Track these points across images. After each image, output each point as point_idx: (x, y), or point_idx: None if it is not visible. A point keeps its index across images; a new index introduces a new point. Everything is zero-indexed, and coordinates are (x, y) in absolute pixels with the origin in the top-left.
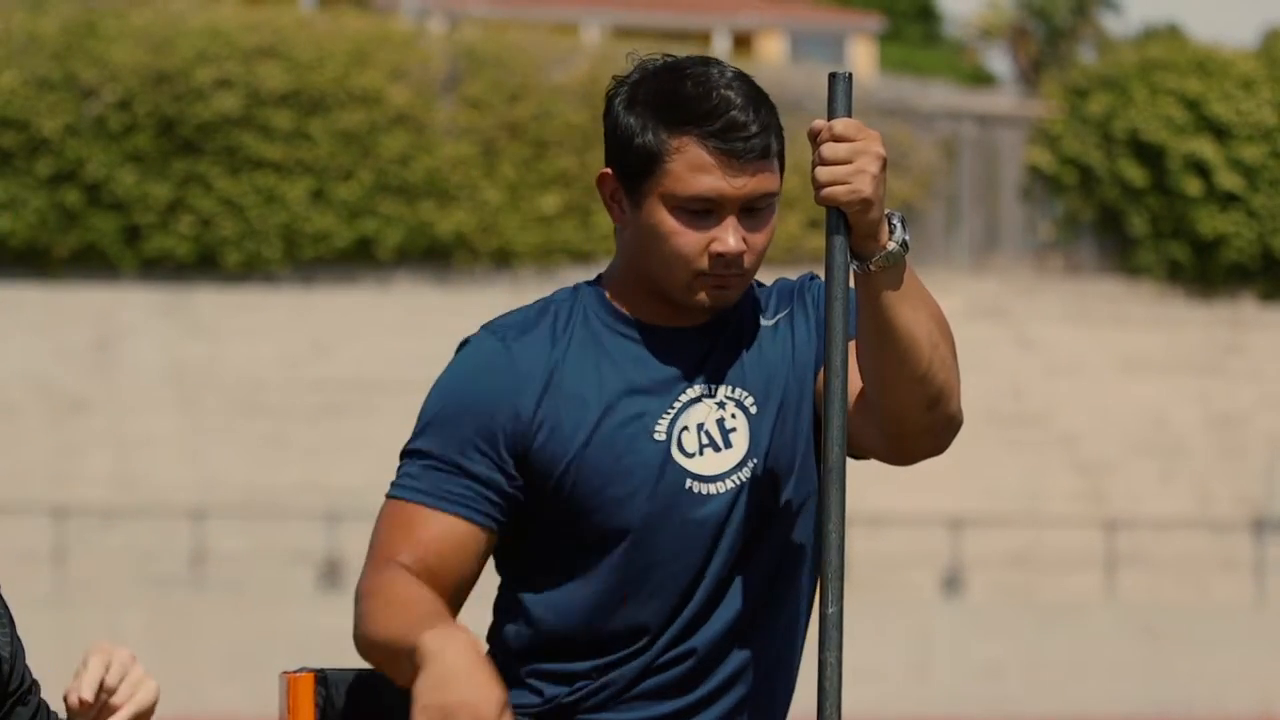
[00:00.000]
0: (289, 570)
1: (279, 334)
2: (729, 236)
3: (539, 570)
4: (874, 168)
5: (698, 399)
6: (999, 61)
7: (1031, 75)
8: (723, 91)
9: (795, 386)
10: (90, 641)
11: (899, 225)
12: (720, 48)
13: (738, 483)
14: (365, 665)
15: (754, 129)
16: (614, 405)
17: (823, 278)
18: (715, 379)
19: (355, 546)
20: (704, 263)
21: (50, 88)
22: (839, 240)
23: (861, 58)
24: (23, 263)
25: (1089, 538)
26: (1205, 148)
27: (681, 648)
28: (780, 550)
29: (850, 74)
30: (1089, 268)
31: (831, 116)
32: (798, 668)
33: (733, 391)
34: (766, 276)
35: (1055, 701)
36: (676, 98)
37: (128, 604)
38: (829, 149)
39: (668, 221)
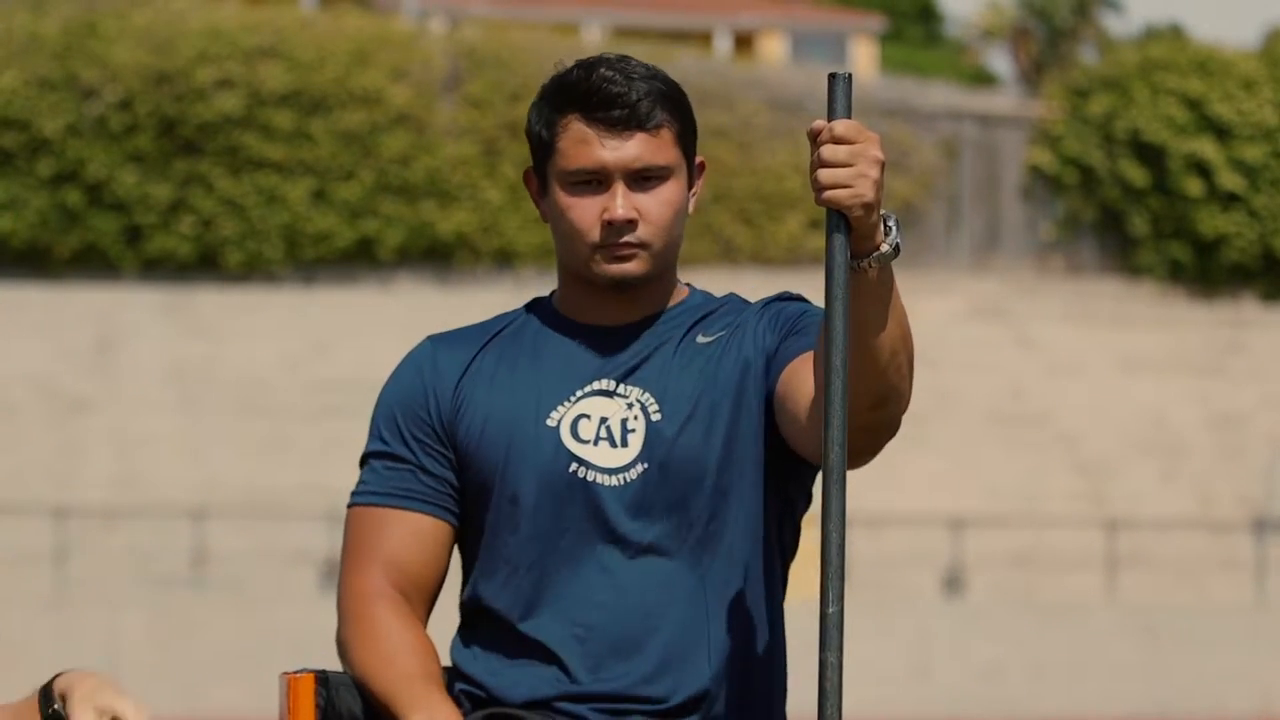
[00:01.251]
0: (289, 570)
1: (280, 334)
2: (615, 203)
3: (477, 568)
4: (874, 172)
5: (606, 393)
6: (1000, 62)
7: (1032, 75)
8: (603, 72)
9: (709, 403)
10: (91, 642)
11: (894, 227)
12: (721, 48)
13: (625, 481)
14: None
15: (632, 99)
16: (520, 389)
17: (806, 290)
18: (628, 379)
19: None
20: (597, 234)
21: (51, 88)
22: (839, 239)
23: (862, 58)
24: (24, 263)
25: (1089, 538)
26: (1206, 148)
27: (621, 646)
28: (705, 558)
29: (850, 75)
30: (1090, 268)
31: (831, 117)
32: (770, 681)
33: (642, 395)
34: (769, 279)
35: (1056, 701)
36: (563, 85)
37: (128, 604)
38: (829, 151)
39: (564, 198)
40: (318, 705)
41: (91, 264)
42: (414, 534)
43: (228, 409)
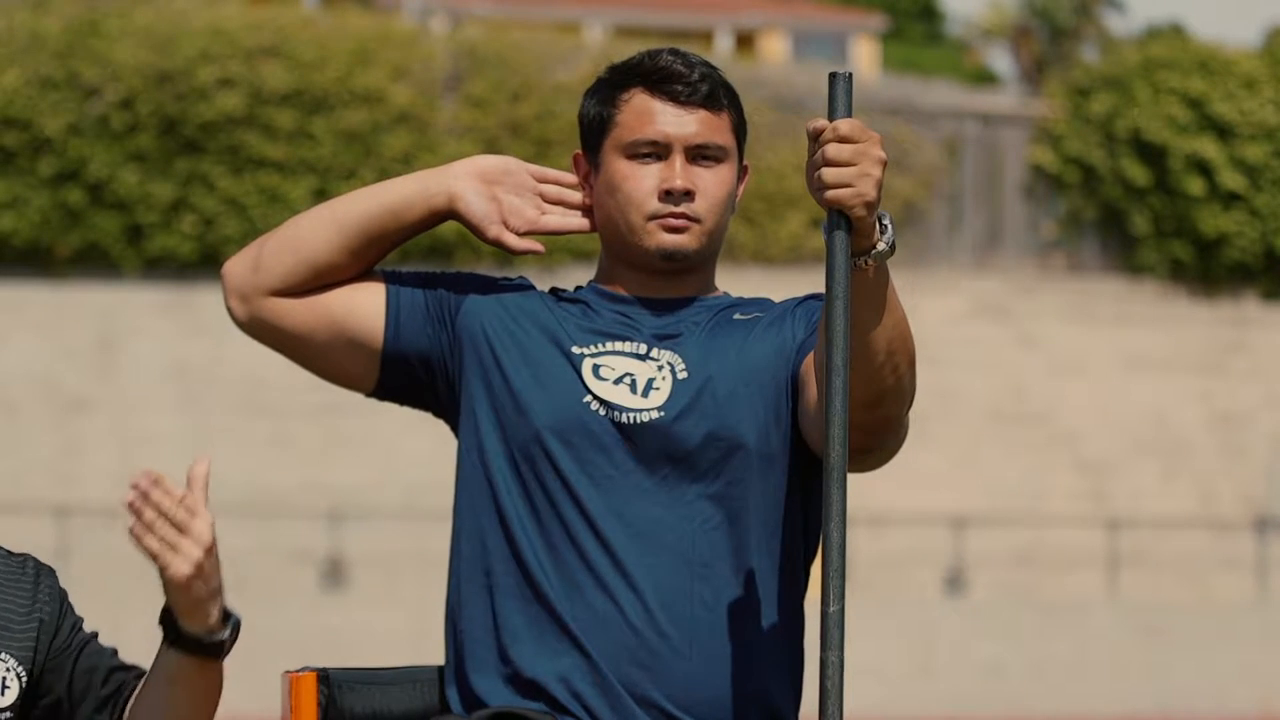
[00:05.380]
0: (291, 569)
1: None
2: (675, 172)
3: (486, 526)
4: (877, 171)
5: (638, 356)
6: (1001, 61)
7: (1034, 74)
8: (667, 55)
9: (739, 369)
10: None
11: (889, 226)
12: (722, 47)
13: (635, 420)
14: (368, 665)
15: (695, 78)
16: (551, 329)
17: (807, 289)
18: (659, 344)
19: (358, 546)
20: (654, 203)
21: (53, 87)
22: (840, 237)
23: (864, 57)
24: (25, 262)
25: (1091, 537)
26: (1208, 147)
27: (621, 587)
28: (714, 518)
29: (850, 74)
30: (1091, 267)
31: (832, 116)
32: (773, 668)
33: (672, 358)
34: (771, 278)
35: (1057, 700)
36: (627, 66)
37: (130, 603)
38: (833, 150)
39: (621, 169)
40: (320, 704)
41: (93, 263)
42: (368, 280)
43: (229, 408)
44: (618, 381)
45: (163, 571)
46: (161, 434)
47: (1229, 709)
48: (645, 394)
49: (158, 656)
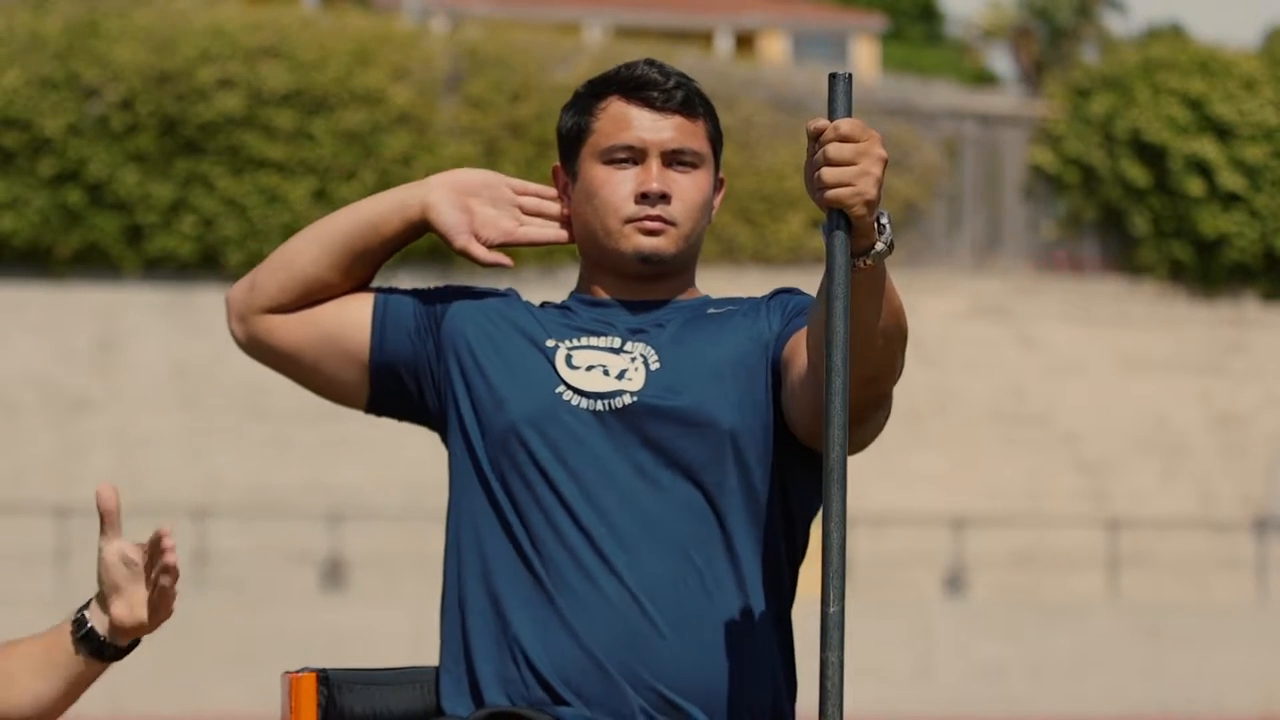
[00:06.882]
0: (291, 570)
1: None
2: (651, 175)
3: (476, 522)
4: (878, 170)
5: (612, 350)
6: (1001, 61)
7: (1034, 75)
8: (643, 65)
9: (713, 360)
10: None
11: (887, 225)
12: (722, 47)
13: (609, 406)
14: (368, 665)
15: (670, 85)
16: (529, 329)
17: (806, 289)
18: (633, 337)
19: (358, 546)
20: (631, 207)
21: (53, 87)
22: (840, 237)
23: (864, 57)
24: (25, 262)
25: (1091, 537)
26: (1207, 148)
27: (604, 574)
28: (692, 504)
29: (850, 74)
30: (1091, 267)
31: (832, 117)
32: (765, 656)
33: (645, 349)
34: (770, 278)
35: (1057, 701)
36: (603, 76)
37: None
38: (835, 150)
39: (599, 174)
40: (319, 705)
41: (93, 263)
42: (356, 295)
43: (229, 409)
44: (589, 369)
45: (123, 618)
46: (161, 434)
47: (1229, 709)
48: (618, 381)
49: (57, 648)
